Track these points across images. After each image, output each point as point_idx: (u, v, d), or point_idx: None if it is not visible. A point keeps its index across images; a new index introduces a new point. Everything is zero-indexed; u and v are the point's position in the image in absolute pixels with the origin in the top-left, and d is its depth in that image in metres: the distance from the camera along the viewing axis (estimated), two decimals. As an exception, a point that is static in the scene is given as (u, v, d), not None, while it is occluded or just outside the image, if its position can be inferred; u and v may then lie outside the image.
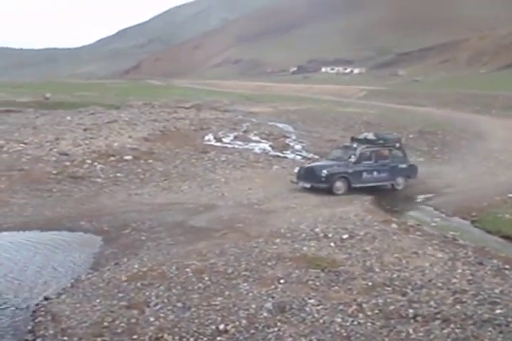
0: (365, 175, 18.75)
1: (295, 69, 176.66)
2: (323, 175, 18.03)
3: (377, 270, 10.34)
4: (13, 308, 9.32)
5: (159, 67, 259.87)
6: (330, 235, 12.57)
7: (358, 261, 10.84)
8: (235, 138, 33.93)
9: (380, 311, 8.57)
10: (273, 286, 9.51)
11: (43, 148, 24.69)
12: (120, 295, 9.36)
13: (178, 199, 16.91)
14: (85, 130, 32.60)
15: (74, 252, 12.52)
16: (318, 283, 9.65)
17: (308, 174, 18.71)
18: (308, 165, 19.76)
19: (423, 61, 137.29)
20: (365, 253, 11.31)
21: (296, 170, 19.42)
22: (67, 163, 21.18)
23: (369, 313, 8.51)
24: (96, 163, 21.42)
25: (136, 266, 10.74)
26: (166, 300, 9.07)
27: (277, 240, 12.20)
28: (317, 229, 12.98)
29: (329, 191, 17.98)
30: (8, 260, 11.73)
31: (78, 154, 22.97)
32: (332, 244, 11.87)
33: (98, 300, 9.17)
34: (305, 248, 11.61)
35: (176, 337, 7.87)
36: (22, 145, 25.53)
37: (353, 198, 17.71)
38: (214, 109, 58.08)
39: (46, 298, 9.51)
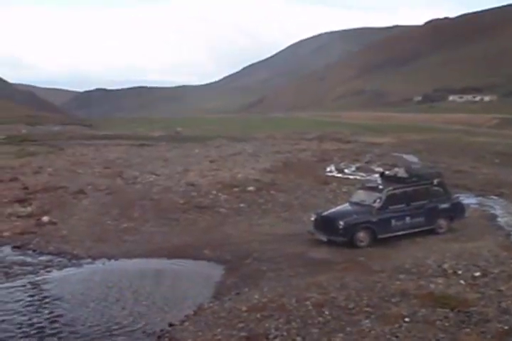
0: (394, 222, 15.68)
1: (420, 98, 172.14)
2: (341, 226, 15.07)
3: (515, 312, 9.41)
4: (140, 332, 9.74)
5: (282, 100, 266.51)
6: (460, 272, 11.73)
7: (492, 301, 9.95)
8: (357, 169, 33.53)
9: (519, 359, 7.77)
10: (397, 325, 9.00)
11: (172, 179, 26.09)
12: (240, 325, 9.39)
13: (299, 230, 16.83)
14: (211, 162, 34.13)
15: (197, 280, 12.92)
16: (447, 324, 8.99)
17: (324, 224, 15.70)
18: (325, 213, 16.15)
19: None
20: (500, 293, 10.38)
21: (313, 217, 16.27)
22: (194, 194, 22.09)
23: (506, 360, 7.75)
24: (220, 194, 22.11)
25: (256, 297, 10.76)
26: (285, 333, 8.93)
27: (401, 276, 11.63)
28: (445, 265, 12.18)
29: (350, 244, 15.05)
30: (137, 286, 12.30)
31: (204, 185, 23.92)
32: (462, 282, 11.06)
33: (219, 330, 9.27)
34: (432, 285, 10.93)
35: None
36: (154, 176, 27.24)
37: (485, 232, 16.52)
38: (336, 140, 58.13)
39: (170, 325, 9.81)
